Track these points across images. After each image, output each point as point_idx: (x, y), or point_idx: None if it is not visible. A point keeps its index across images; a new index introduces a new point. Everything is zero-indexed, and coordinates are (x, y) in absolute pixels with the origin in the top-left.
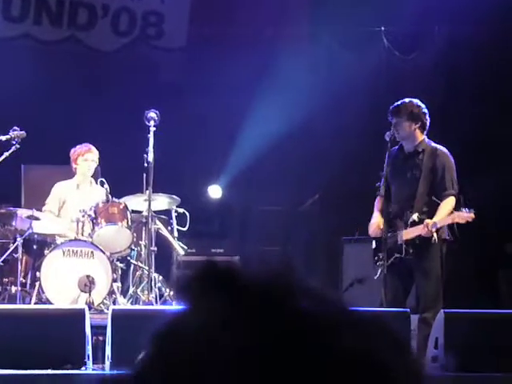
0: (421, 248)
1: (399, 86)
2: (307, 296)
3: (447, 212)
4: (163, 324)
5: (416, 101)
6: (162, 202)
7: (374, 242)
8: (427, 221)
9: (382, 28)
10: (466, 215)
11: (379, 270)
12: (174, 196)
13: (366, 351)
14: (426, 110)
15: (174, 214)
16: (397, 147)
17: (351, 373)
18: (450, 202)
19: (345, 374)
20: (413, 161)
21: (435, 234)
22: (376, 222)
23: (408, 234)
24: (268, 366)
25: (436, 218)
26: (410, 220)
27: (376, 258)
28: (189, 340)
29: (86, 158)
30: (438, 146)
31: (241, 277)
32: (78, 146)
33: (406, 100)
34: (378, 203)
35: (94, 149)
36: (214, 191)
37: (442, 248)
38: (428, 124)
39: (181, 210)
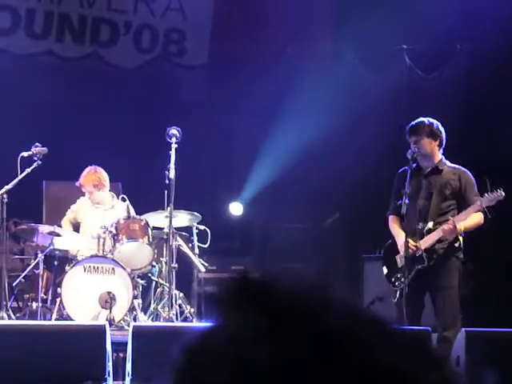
0: (442, 259)
1: (421, 104)
2: (344, 311)
3: (472, 222)
4: (194, 337)
5: (432, 120)
6: (183, 218)
7: (384, 268)
8: (453, 221)
9: (404, 46)
10: (494, 196)
11: (398, 292)
12: (195, 213)
13: (403, 368)
14: (442, 128)
15: (195, 231)
16: (414, 165)
17: None
18: (477, 216)
19: None
20: (432, 179)
21: (460, 239)
22: (405, 240)
23: (426, 241)
24: (301, 381)
25: (460, 224)
26: (426, 229)
27: (393, 279)
28: (219, 354)
29: (89, 190)
30: (457, 166)
31: (274, 291)
32: (82, 175)
33: (424, 119)
34: (395, 223)
35: (86, 178)
36: (235, 208)
37: (459, 268)
38: (444, 142)
39: (202, 227)
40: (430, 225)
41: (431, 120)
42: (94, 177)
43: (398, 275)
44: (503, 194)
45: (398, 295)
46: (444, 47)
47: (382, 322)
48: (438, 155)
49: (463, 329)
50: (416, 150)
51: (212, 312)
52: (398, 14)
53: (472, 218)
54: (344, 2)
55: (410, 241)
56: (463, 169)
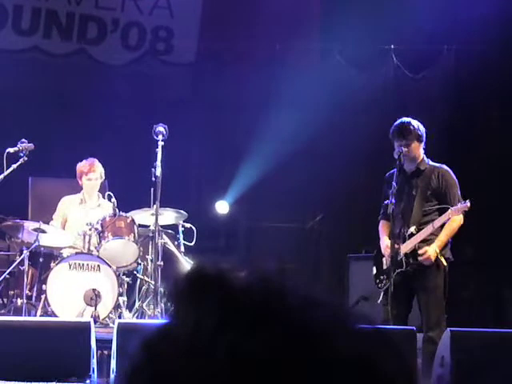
0: (423, 264)
1: (408, 104)
2: (298, 301)
3: (448, 233)
4: (153, 333)
5: (416, 121)
6: (169, 216)
7: (374, 268)
8: (427, 251)
9: (392, 46)
10: (461, 206)
11: (382, 293)
12: (182, 211)
13: (360, 356)
14: (423, 128)
15: (180, 229)
16: (395, 169)
17: (342, 375)
18: (455, 220)
19: (335, 377)
20: (414, 180)
21: (442, 259)
22: (386, 243)
23: (407, 246)
24: (255, 370)
25: (436, 244)
26: (408, 233)
27: (378, 280)
28: (178, 348)
29: (90, 177)
30: (438, 165)
31: (228, 284)
32: (82, 163)
33: (412, 121)
34: (384, 227)
35: (96, 165)
36: (222, 207)
37: (444, 268)
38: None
39: (188, 225)
40: (413, 229)
41: (416, 122)
42: (101, 168)
43: (382, 277)
44: (469, 204)
45: (381, 296)
46: (431, 47)
47: (338, 311)
48: (421, 156)
49: (448, 328)
50: (403, 150)
51: (169, 307)
52: (385, 13)
53: (445, 231)
54: (331, 1)
55: (389, 243)
56: (444, 167)
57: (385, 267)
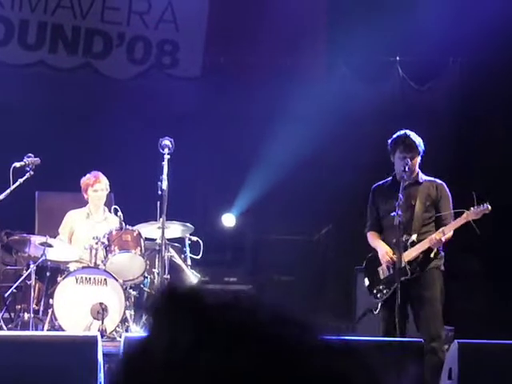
0: (424, 266)
1: (414, 115)
2: (271, 319)
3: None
4: (132, 346)
5: (415, 134)
6: (175, 229)
7: (366, 280)
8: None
9: (397, 58)
10: (480, 209)
11: (379, 304)
12: (188, 224)
13: (334, 371)
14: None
15: (187, 242)
16: (389, 179)
17: None
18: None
19: None
20: (411, 190)
21: (438, 262)
22: (386, 249)
23: (410, 254)
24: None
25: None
26: (410, 241)
27: (375, 291)
28: (156, 361)
29: (96, 188)
30: (433, 178)
31: (204, 299)
32: (86, 176)
33: (416, 137)
34: (375, 237)
35: (102, 177)
36: (228, 220)
37: (441, 279)
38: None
39: (194, 238)
40: (414, 237)
41: (417, 138)
42: (106, 179)
43: (380, 287)
44: (489, 207)
45: (379, 307)
46: (436, 59)
47: (307, 325)
48: (417, 169)
49: (456, 340)
50: (409, 163)
51: (147, 322)
52: (391, 25)
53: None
54: (337, 13)
55: (388, 250)
56: (439, 181)
57: (382, 276)
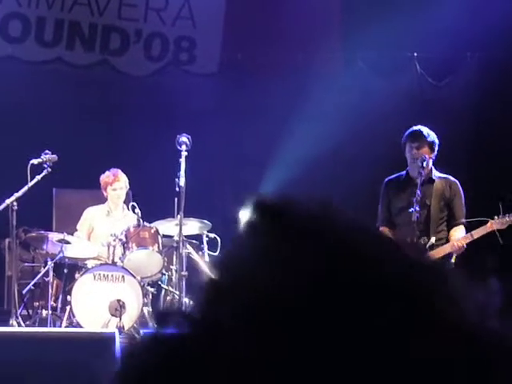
0: None
1: (431, 111)
2: (348, 226)
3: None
4: (223, 255)
5: (429, 130)
6: (193, 226)
7: None
8: (461, 238)
9: (415, 54)
10: (506, 219)
11: None
12: (206, 221)
13: (413, 281)
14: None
15: (205, 239)
16: (403, 174)
17: (389, 300)
18: (459, 231)
19: (383, 302)
20: (425, 188)
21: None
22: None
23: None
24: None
25: (468, 235)
26: (429, 244)
27: None
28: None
29: (115, 187)
30: (446, 176)
31: (288, 212)
32: (105, 174)
33: (424, 129)
34: (386, 233)
35: (121, 175)
36: (246, 216)
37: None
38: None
39: (212, 235)
40: (433, 240)
41: (428, 130)
42: (125, 177)
43: None
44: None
45: None
46: (454, 55)
47: (387, 239)
48: (430, 166)
49: None
50: (426, 158)
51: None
52: (408, 20)
53: (457, 233)
54: (353, 9)
55: None
56: (452, 178)
57: None
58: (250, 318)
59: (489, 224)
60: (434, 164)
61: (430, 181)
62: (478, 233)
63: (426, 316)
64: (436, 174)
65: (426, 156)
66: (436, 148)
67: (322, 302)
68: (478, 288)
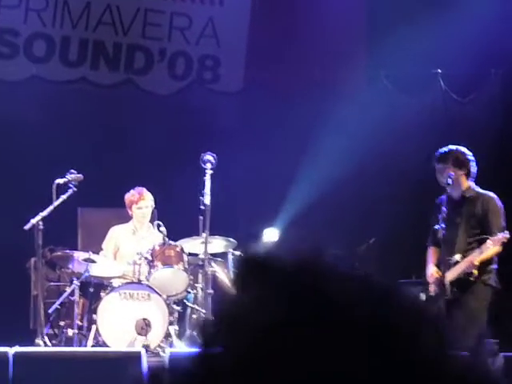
0: (465, 287)
1: (456, 128)
2: (336, 274)
3: (490, 253)
4: (223, 306)
5: (463, 149)
6: (218, 244)
7: (423, 295)
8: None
9: (439, 71)
10: (498, 238)
11: None
12: (231, 239)
13: (401, 325)
14: (472, 158)
15: (230, 257)
16: (445, 195)
17: (371, 339)
18: (493, 248)
19: (367, 341)
20: (458, 209)
21: (475, 271)
22: (432, 270)
23: (451, 274)
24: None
25: (477, 251)
26: (453, 261)
27: None
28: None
29: (140, 205)
30: (484, 192)
31: (274, 263)
32: (130, 192)
33: (453, 147)
34: (430, 254)
35: (146, 194)
36: (271, 234)
37: (487, 293)
38: (475, 171)
39: (237, 253)
40: (458, 257)
41: (461, 149)
42: (150, 196)
43: (429, 304)
44: (507, 235)
45: None
46: (478, 71)
47: (376, 284)
48: (464, 184)
49: (501, 354)
50: (452, 176)
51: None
52: (432, 37)
53: (486, 252)
54: (377, 26)
55: (434, 271)
56: (490, 194)
57: (432, 294)
58: (241, 354)
59: (487, 243)
60: (475, 181)
61: (464, 198)
62: (479, 255)
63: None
64: (471, 192)
65: (452, 174)
66: (465, 164)
67: (291, 343)
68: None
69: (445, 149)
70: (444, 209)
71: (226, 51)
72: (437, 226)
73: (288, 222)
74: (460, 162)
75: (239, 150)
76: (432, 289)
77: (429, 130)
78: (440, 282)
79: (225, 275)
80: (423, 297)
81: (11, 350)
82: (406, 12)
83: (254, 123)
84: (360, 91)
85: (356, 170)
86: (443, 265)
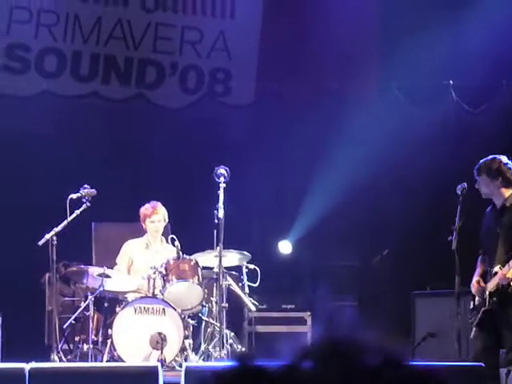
0: (504, 298)
1: (468, 139)
2: (373, 353)
3: None
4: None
5: (500, 157)
6: (232, 258)
7: (471, 303)
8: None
9: (451, 82)
10: None
11: (473, 329)
12: (245, 252)
13: None
14: (510, 166)
15: (244, 270)
16: (491, 205)
17: None
18: None
19: None
20: (501, 217)
21: None
22: (475, 279)
23: (491, 285)
24: None
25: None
26: (493, 272)
27: (470, 316)
28: None
29: (153, 219)
30: None
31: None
32: (145, 206)
33: (489, 157)
34: (478, 262)
35: (160, 208)
36: (285, 247)
37: None
38: None
39: (251, 266)
40: (497, 268)
41: (497, 158)
42: (164, 210)
43: (474, 312)
44: None
45: (473, 331)
46: (490, 82)
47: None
48: (505, 193)
49: None
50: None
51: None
52: (444, 49)
53: None
54: (389, 38)
55: (475, 281)
56: None
57: (477, 303)
58: None
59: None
60: None
61: (504, 208)
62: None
63: None
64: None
65: (481, 183)
66: (500, 173)
67: None
68: None
69: (482, 160)
70: (485, 220)
71: (237, 64)
72: (450, 238)
73: (302, 235)
74: (493, 172)
75: (251, 162)
76: (476, 298)
77: (441, 140)
78: (481, 293)
79: (239, 289)
80: (471, 305)
81: (27, 366)
82: (418, 24)
83: (266, 135)
84: (372, 103)
85: (368, 181)
86: (488, 275)
